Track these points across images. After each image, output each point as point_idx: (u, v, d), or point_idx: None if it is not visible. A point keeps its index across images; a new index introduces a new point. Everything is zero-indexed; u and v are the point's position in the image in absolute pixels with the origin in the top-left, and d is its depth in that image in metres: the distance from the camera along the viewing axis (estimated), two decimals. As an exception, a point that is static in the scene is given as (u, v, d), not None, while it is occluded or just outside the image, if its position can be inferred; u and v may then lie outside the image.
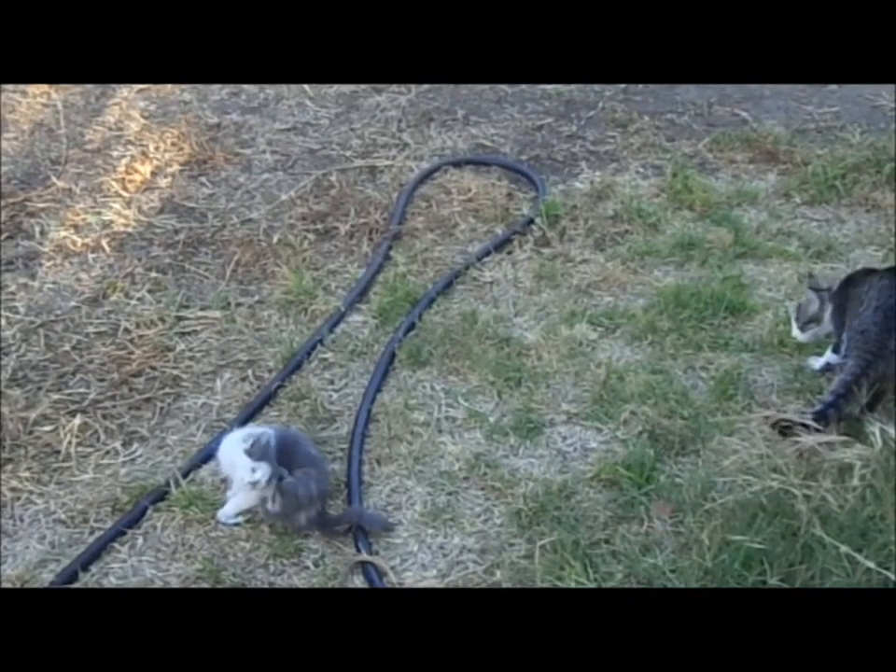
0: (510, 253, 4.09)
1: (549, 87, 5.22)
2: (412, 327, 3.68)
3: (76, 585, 2.83)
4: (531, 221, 4.20)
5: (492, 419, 3.33)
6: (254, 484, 2.88)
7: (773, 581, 2.61)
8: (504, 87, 5.24)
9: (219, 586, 2.82)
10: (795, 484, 2.86)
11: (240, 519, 3.00)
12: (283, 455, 2.93)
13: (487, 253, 4.07)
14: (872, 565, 2.57)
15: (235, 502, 3.00)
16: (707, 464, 3.10)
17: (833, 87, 5.16)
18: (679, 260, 4.01)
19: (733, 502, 2.87)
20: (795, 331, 3.45)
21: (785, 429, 3.13)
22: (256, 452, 2.87)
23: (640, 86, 5.20)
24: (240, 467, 2.91)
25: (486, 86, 5.23)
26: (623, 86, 5.19)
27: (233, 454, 2.93)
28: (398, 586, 2.80)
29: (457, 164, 4.63)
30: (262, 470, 2.88)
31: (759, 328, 3.65)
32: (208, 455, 3.20)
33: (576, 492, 3.06)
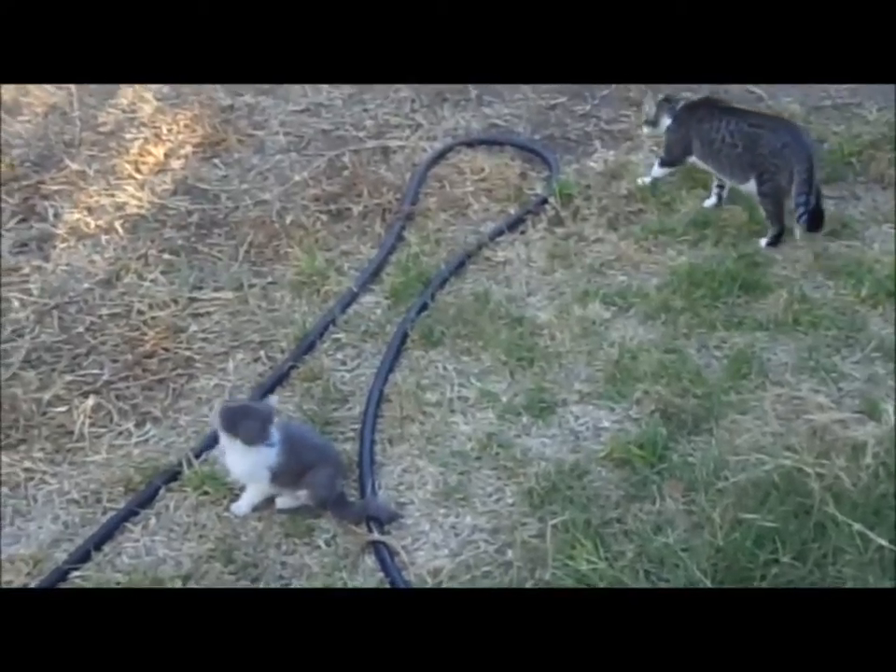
0: (523, 233, 4.07)
1: (563, 66, 5.19)
2: (424, 307, 3.67)
3: (88, 565, 2.85)
4: (544, 201, 4.18)
5: (504, 399, 3.32)
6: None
7: (785, 560, 2.61)
8: (518, 66, 5.20)
9: (231, 566, 2.83)
10: (808, 463, 2.87)
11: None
12: (290, 450, 2.90)
13: (500, 233, 4.05)
14: (884, 542, 2.57)
15: (249, 495, 2.98)
16: (719, 443, 3.09)
17: (850, 64, 5.10)
18: (692, 239, 3.98)
19: (745, 481, 2.87)
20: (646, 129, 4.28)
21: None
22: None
23: (655, 64, 5.16)
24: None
25: (499, 66, 5.19)
26: (637, 64, 5.15)
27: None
28: (408, 585, 2.80)
29: (470, 144, 4.59)
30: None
31: (773, 306, 3.62)
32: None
33: (588, 471, 3.06)
